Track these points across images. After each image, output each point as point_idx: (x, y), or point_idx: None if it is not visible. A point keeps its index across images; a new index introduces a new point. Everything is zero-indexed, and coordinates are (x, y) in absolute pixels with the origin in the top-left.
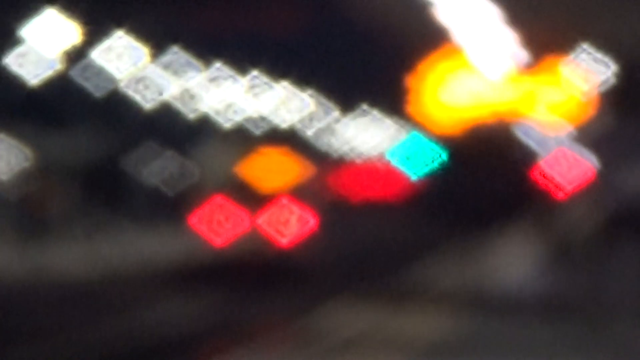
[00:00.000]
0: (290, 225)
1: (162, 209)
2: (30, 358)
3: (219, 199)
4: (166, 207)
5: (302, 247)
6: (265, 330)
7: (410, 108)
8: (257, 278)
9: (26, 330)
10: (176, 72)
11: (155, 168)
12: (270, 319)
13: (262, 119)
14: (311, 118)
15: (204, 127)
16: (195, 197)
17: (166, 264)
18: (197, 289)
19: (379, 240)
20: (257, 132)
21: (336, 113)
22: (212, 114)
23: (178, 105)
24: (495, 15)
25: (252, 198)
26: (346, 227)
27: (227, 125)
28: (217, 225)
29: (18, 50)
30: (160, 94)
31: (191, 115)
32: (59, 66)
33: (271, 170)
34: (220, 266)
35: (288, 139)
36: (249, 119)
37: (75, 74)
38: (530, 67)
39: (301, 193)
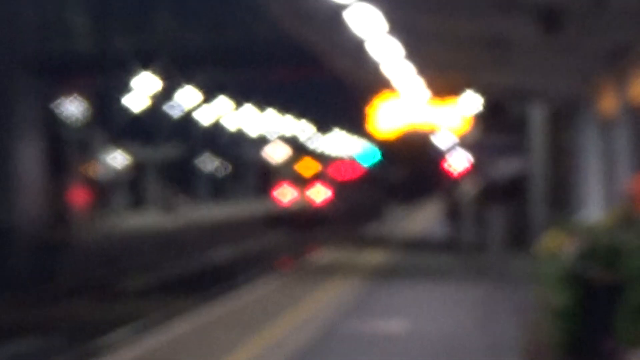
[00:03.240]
0: (319, 194)
1: (221, 191)
2: (149, 283)
3: (285, 183)
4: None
5: (325, 205)
6: (307, 251)
7: (365, 128)
8: (304, 221)
9: (138, 266)
10: (220, 107)
11: (212, 166)
12: (309, 244)
13: (291, 138)
14: (310, 136)
15: (242, 139)
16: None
17: (259, 215)
18: (275, 227)
19: (354, 201)
20: (296, 149)
21: (320, 133)
22: (248, 132)
23: (224, 126)
24: (415, 71)
25: (301, 181)
26: (342, 195)
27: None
28: (285, 195)
29: (128, 95)
30: (213, 119)
31: (232, 131)
32: (151, 102)
33: (308, 167)
34: (286, 215)
35: (308, 151)
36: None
37: (162, 106)
38: (437, 102)
39: (322, 177)
